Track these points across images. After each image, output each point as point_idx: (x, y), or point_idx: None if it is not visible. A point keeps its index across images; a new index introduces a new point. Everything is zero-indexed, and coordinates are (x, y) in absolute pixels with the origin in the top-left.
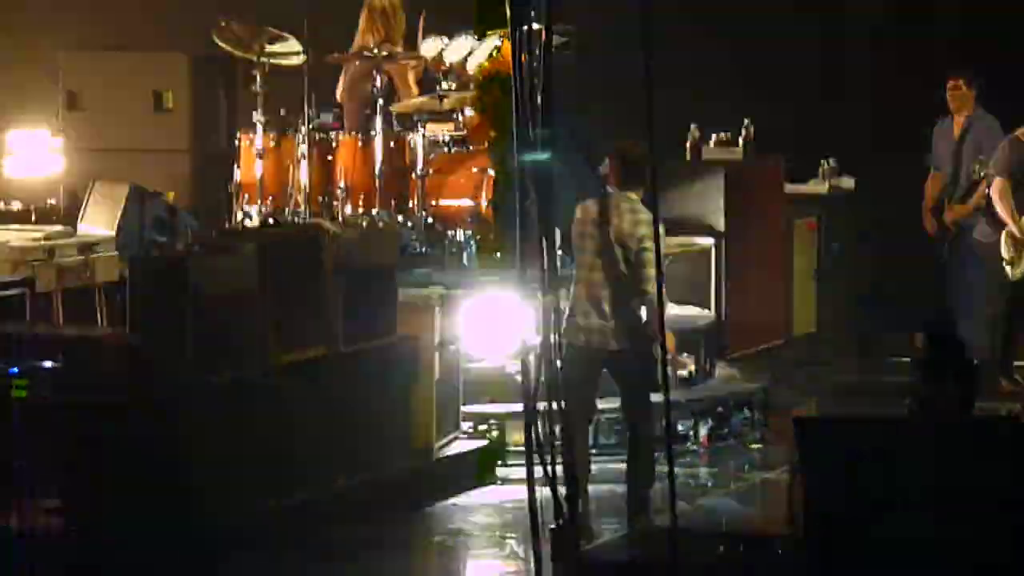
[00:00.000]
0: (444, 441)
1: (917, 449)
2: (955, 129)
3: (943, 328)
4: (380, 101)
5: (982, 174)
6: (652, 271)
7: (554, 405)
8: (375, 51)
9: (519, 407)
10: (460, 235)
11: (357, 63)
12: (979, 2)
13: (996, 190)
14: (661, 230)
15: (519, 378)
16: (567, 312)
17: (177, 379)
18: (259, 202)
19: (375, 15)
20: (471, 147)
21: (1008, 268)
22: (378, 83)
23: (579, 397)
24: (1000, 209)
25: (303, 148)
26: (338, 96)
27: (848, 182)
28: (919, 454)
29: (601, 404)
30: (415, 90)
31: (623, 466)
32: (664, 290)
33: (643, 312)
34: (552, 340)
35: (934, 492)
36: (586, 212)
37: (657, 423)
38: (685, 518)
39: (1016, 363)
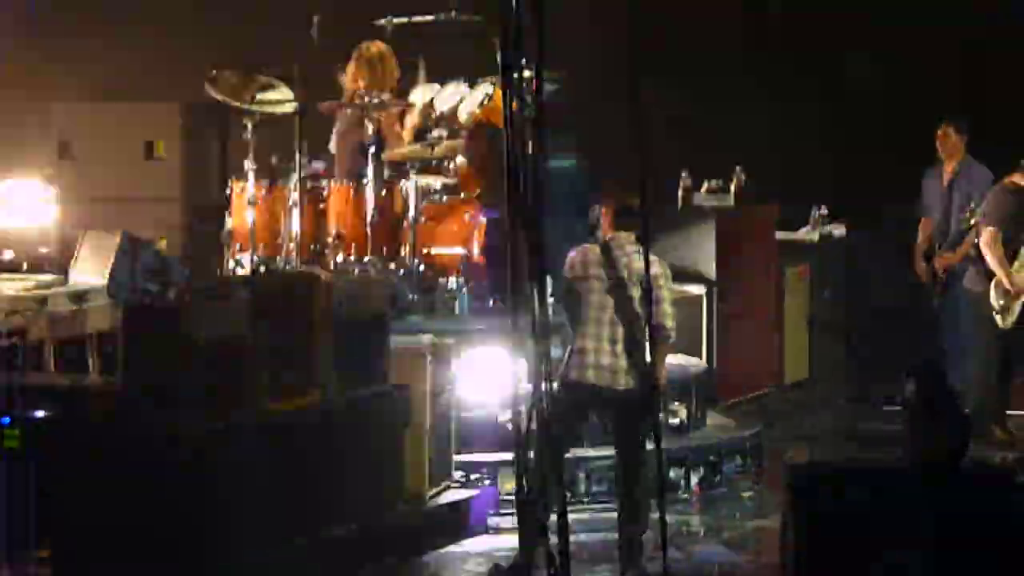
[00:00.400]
0: (436, 490)
1: (908, 498)
2: (944, 176)
3: (934, 376)
4: (372, 149)
5: (971, 222)
6: (670, 308)
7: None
8: (366, 99)
9: (511, 455)
10: (452, 283)
11: (348, 111)
12: (970, 51)
13: (985, 240)
14: (662, 269)
15: (511, 427)
16: (570, 354)
17: (168, 427)
18: (251, 250)
19: (363, 63)
20: (462, 195)
21: (998, 317)
22: (370, 131)
23: (568, 430)
24: (990, 259)
25: (295, 196)
26: (331, 145)
27: (839, 230)
28: (910, 503)
29: (592, 452)
30: (406, 138)
31: (615, 515)
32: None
33: (647, 353)
34: (543, 388)
35: (925, 541)
36: (587, 255)
37: (648, 469)
38: (677, 566)
39: (1008, 412)
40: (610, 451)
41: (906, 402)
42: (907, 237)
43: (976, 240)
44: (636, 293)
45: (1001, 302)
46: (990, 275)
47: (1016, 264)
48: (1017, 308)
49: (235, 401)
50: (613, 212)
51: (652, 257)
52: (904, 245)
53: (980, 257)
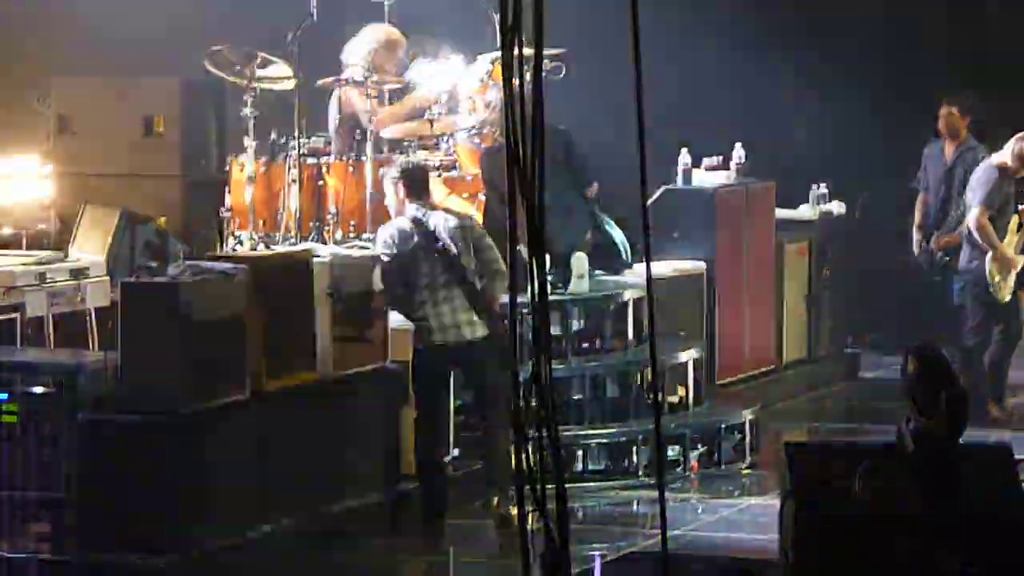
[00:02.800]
0: None
1: (907, 476)
2: (946, 155)
3: (932, 354)
4: (370, 126)
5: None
6: (496, 251)
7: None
8: (365, 76)
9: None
10: None
11: (347, 88)
12: (966, 26)
13: (975, 219)
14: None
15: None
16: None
17: (166, 404)
18: (250, 227)
19: (384, 49)
20: (461, 172)
21: (995, 292)
22: (368, 107)
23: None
24: (981, 237)
25: (294, 173)
26: (330, 122)
27: (838, 207)
28: (909, 481)
29: (589, 429)
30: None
31: (612, 493)
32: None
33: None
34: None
35: (923, 518)
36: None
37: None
38: (676, 544)
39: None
40: (607, 428)
41: (905, 380)
42: (905, 214)
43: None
44: (456, 248)
45: (996, 278)
46: (984, 252)
47: (1007, 239)
48: (1011, 281)
49: (233, 378)
50: (405, 179)
51: (457, 212)
52: (902, 222)
53: (972, 237)
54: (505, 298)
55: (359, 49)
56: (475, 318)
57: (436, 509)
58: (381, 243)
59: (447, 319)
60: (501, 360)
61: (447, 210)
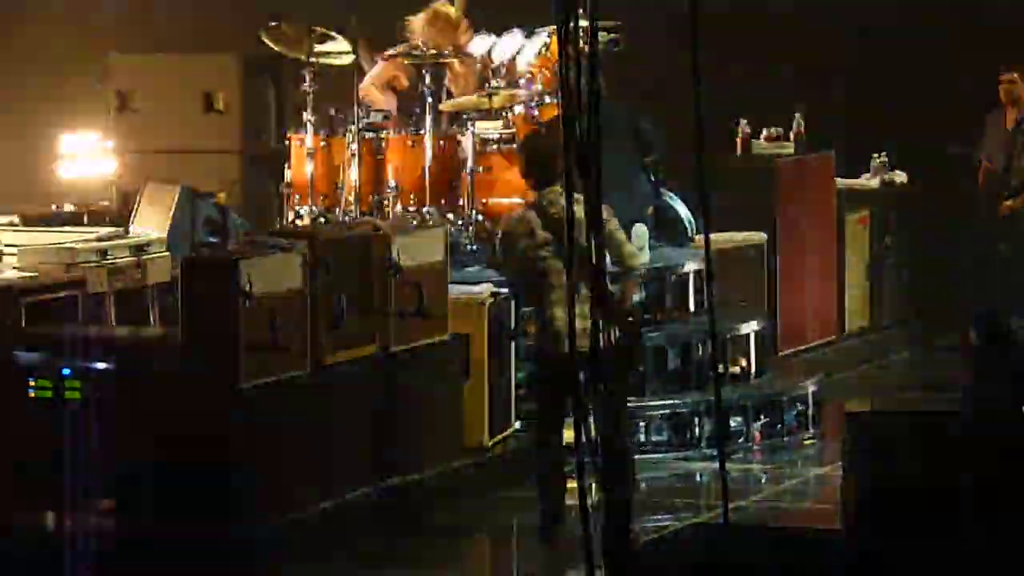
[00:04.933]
0: (497, 439)
1: (968, 447)
2: (1008, 121)
3: (995, 324)
4: (429, 99)
5: None
6: (629, 245)
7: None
8: (423, 50)
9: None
10: None
11: (404, 62)
12: None
13: None
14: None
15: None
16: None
17: (228, 379)
18: (310, 202)
19: (438, 21)
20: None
21: None
22: (427, 81)
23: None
24: None
25: (353, 147)
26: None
27: (901, 176)
28: (971, 452)
29: (651, 400)
30: (462, 90)
31: (674, 463)
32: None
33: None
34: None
35: (985, 490)
36: (531, 221)
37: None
38: (739, 516)
39: None
40: (670, 399)
41: (969, 349)
42: (968, 182)
43: None
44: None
45: None
46: None
47: None
48: None
49: (294, 352)
50: (529, 158)
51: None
52: (966, 191)
53: None
54: (636, 298)
55: (415, 26)
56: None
57: (555, 522)
58: (501, 236)
59: (578, 324)
60: (622, 362)
61: (577, 199)
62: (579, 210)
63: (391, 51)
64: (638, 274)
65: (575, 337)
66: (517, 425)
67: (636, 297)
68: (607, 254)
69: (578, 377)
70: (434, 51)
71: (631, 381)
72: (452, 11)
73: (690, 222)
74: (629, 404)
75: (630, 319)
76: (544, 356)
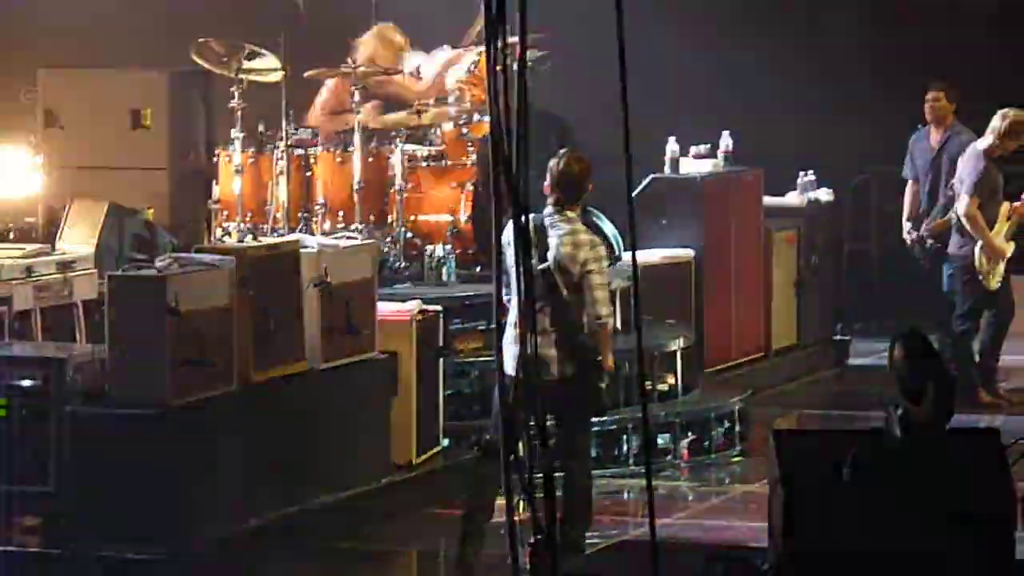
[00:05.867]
0: (425, 456)
1: (895, 462)
2: (933, 141)
3: (919, 340)
4: (358, 117)
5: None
6: (601, 294)
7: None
8: (353, 68)
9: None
10: (439, 250)
11: (336, 80)
12: (949, 14)
13: (965, 208)
14: (593, 252)
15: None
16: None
17: (154, 397)
18: (238, 218)
19: (387, 43)
20: (449, 162)
21: (984, 280)
22: (356, 99)
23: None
24: (970, 226)
25: (281, 164)
26: (313, 114)
27: (827, 195)
28: (897, 467)
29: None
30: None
31: (602, 480)
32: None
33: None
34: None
35: (912, 505)
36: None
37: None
38: (666, 533)
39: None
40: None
41: (892, 366)
42: (893, 201)
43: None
44: (561, 280)
45: (985, 266)
46: (973, 239)
47: (996, 227)
48: (1001, 268)
49: (221, 370)
50: (558, 179)
51: (583, 237)
52: (890, 208)
53: (961, 225)
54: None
55: (362, 49)
56: (564, 358)
57: (472, 553)
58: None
59: (539, 351)
60: (589, 405)
61: (574, 231)
62: (569, 246)
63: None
64: (602, 323)
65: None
66: (445, 443)
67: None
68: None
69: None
70: (364, 68)
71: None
72: (397, 35)
73: (616, 240)
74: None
75: (596, 360)
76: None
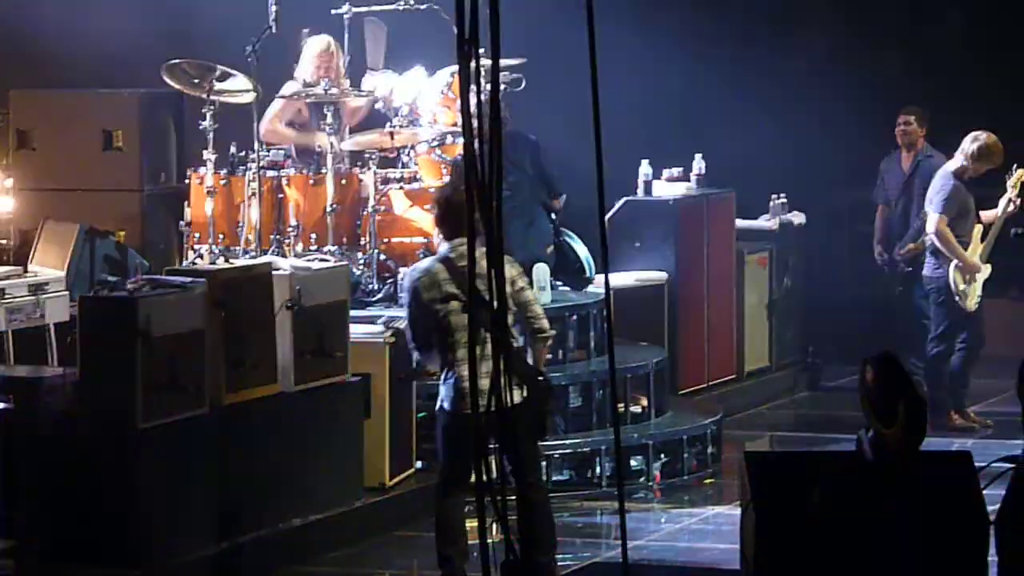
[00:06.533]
0: (398, 479)
1: (866, 484)
2: (904, 165)
3: (890, 364)
4: (332, 139)
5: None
6: (538, 307)
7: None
8: (323, 88)
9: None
10: None
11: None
12: (921, 37)
13: (935, 227)
14: (517, 269)
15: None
16: (453, 378)
17: (126, 419)
18: (210, 240)
19: (316, 56)
20: (422, 184)
21: (961, 300)
22: (329, 119)
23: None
24: (942, 245)
25: (253, 186)
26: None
27: (799, 217)
28: (868, 489)
29: (552, 440)
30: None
31: (575, 502)
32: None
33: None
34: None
35: (883, 527)
36: (438, 273)
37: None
38: (638, 555)
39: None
40: (570, 439)
41: (864, 389)
42: (866, 224)
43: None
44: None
45: (961, 285)
46: (948, 260)
47: (971, 248)
48: (978, 289)
49: (192, 392)
50: (443, 212)
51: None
52: (861, 233)
53: (934, 245)
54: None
55: (304, 65)
56: (514, 382)
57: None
58: (407, 289)
59: (484, 381)
60: (544, 428)
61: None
62: (506, 264)
63: (290, 92)
64: (547, 336)
65: (477, 393)
66: (419, 465)
67: (548, 356)
68: (519, 314)
69: (484, 437)
70: (334, 88)
71: (542, 441)
72: (334, 46)
73: (588, 262)
74: None
75: (541, 379)
76: (453, 413)
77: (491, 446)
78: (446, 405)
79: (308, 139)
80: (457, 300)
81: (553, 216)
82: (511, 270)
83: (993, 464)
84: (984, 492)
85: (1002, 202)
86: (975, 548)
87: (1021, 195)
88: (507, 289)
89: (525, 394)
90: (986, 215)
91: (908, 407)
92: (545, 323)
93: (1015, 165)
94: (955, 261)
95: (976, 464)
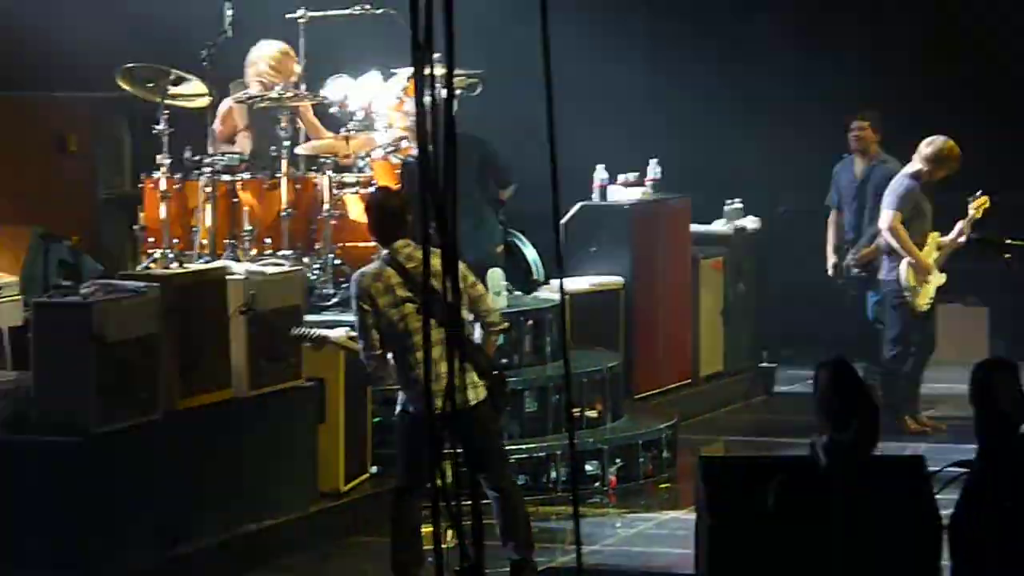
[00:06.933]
0: (353, 483)
1: (820, 489)
2: (857, 170)
3: (843, 368)
4: (287, 143)
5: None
6: (491, 298)
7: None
8: (280, 92)
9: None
10: None
11: (260, 106)
12: (875, 43)
13: (888, 223)
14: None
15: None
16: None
17: (79, 424)
18: (164, 245)
19: (268, 61)
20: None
21: (911, 297)
22: (284, 124)
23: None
24: (894, 241)
25: (208, 190)
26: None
27: (753, 222)
28: (822, 494)
29: (507, 445)
30: (322, 132)
31: (530, 507)
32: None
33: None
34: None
35: (837, 532)
36: (390, 278)
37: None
38: (593, 560)
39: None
40: (525, 444)
41: (817, 394)
42: (819, 229)
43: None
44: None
45: (912, 283)
46: (899, 257)
47: (925, 251)
48: (931, 290)
49: (146, 397)
50: (379, 215)
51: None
52: (816, 237)
53: (890, 247)
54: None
55: (255, 69)
56: (476, 378)
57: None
58: (355, 294)
59: (445, 381)
60: (501, 420)
61: (433, 251)
62: (442, 265)
63: (242, 94)
64: (500, 329)
65: (432, 394)
66: (373, 469)
67: (500, 340)
68: (470, 308)
69: (441, 436)
70: (289, 93)
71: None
72: (288, 50)
73: (537, 265)
74: None
75: (495, 372)
76: (416, 415)
77: (456, 449)
78: (410, 408)
79: (247, 144)
80: (411, 303)
81: (502, 216)
82: (460, 265)
83: (946, 469)
84: (937, 497)
85: (958, 226)
86: (928, 553)
87: (974, 225)
88: (460, 285)
89: (487, 391)
90: (941, 240)
91: (861, 412)
92: (497, 316)
93: (979, 191)
94: (907, 259)
95: (929, 469)
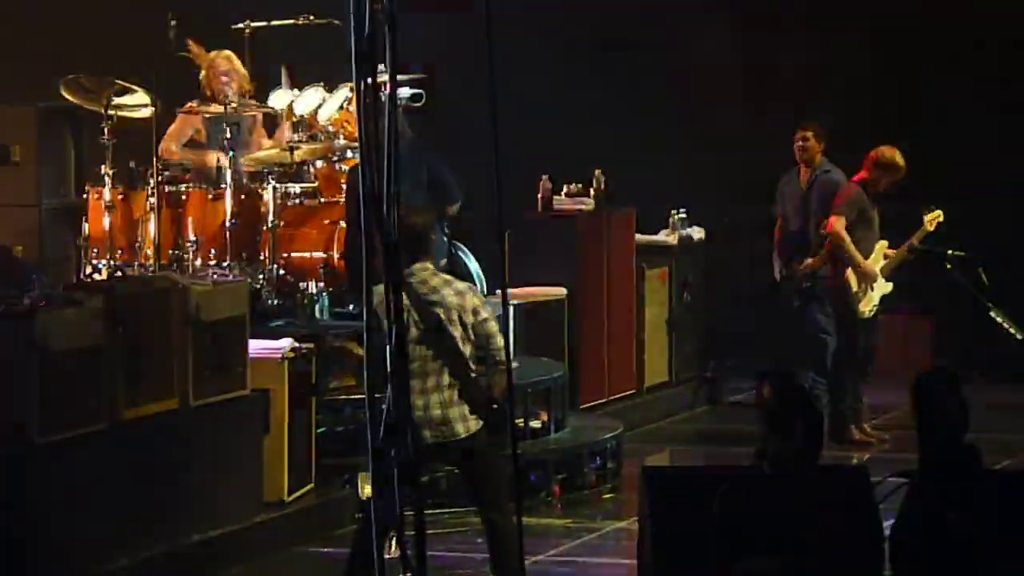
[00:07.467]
0: (297, 494)
1: (763, 499)
2: (802, 180)
3: (786, 379)
4: (231, 153)
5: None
6: (501, 338)
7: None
8: (229, 103)
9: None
10: (312, 287)
11: (205, 116)
12: (821, 53)
13: (833, 226)
14: (479, 298)
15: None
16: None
17: (23, 435)
18: (108, 256)
19: (216, 72)
20: (322, 199)
21: (854, 304)
22: (228, 135)
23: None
24: (838, 245)
25: (152, 201)
26: (163, 148)
27: (699, 233)
28: (765, 504)
29: None
30: (266, 142)
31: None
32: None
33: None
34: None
35: (781, 542)
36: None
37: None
38: (536, 568)
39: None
40: None
41: (761, 403)
42: (764, 240)
43: (824, 232)
44: (458, 332)
45: (855, 288)
46: (844, 263)
47: (872, 258)
48: (876, 297)
49: (90, 407)
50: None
51: (460, 284)
52: (761, 248)
53: (835, 255)
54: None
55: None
56: (467, 411)
57: None
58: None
59: (436, 412)
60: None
61: (448, 280)
62: (454, 296)
63: (190, 106)
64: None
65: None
66: (317, 480)
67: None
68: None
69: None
70: (235, 103)
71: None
72: (226, 56)
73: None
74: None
75: (494, 406)
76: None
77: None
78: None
79: (201, 158)
80: (416, 328)
81: (447, 228)
82: (474, 299)
83: (888, 479)
84: (880, 507)
85: (910, 241)
86: (870, 563)
87: (923, 241)
88: (469, 319)
89: (484, 421)
90: (890, 252)
91: (805, 422)
92: (501, 354)
93: (932, 206)
94: (851, 265)
95: (872, 479)
